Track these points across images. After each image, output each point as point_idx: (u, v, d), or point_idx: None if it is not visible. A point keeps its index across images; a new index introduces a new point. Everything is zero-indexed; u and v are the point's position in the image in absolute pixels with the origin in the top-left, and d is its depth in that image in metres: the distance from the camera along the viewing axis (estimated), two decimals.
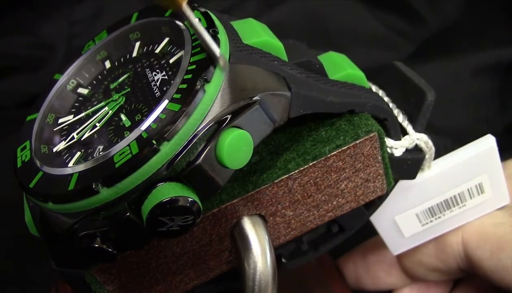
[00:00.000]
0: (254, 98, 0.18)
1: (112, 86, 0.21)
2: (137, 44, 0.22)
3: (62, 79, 0.22)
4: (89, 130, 0.20)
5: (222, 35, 0.19)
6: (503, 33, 0.43)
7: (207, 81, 0.17)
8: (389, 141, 0.24)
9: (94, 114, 0.21)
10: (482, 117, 0.40)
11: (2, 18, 0.42)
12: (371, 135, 0.22)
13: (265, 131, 0.19)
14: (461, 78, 0.42)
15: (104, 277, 0.21)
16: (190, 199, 0.17)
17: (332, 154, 0.21)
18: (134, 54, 0.22)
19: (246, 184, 0.21)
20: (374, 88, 0.25)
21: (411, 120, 0.24)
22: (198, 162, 0.17)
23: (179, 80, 0.18)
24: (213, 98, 0.17)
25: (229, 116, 0.17)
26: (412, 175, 0.25)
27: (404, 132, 0.24)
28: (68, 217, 0.18)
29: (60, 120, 0.22)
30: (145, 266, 0.21)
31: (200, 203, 0.17)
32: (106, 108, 0.21)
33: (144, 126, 0.17)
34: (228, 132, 0.17)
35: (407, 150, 0.25)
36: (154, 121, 0.17)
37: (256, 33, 0.21)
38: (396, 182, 0.25)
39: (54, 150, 0.20)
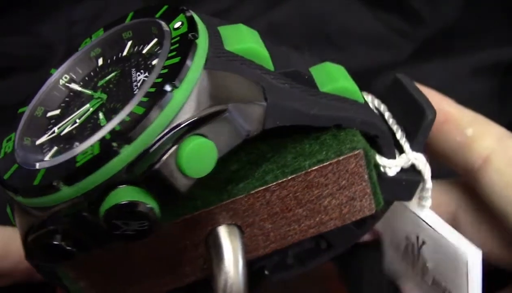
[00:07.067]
0: (224, 106, 0.18)
1: (99, 84, 0.21)
2: (129, 43, 0.22)
3: (56, 73, 0.22)
4: (69, 126, 0.20)
5: (202, 40, 0.19)
6: (503, 33, 0.43)
7: (175, 86, 0.17)
8: (382, 160, 0.23)
9: (77, 110, 0.21)
10: None
11: (2, 18, 0.42)
12: (356, 152, 0.21)
13: (234, 141, 0.18)
14: (461, 78, 0.42)
15: (75, 273, 0.21)
16: (145, 204, 0.17)
17: (313, 168, 0.21)
18: (125, 53, 0.22)
19: (222, 192, 0.21)
20: (376, 102, 0.25)
21: (410, 139, 0.23)
22: (156, 167, 0.17)
23: (149, 83, 0.18)
24: (180, 104, 0.17)
25: (194, 124, 0.17)
26: (407, 197, 0.24)
27: (402, 151, 0.24)
28: (35, 211, 0.18)
29: (49, 114, 0.22)
30: (117, 266, 0.21)
31: (158, 209, 0.17)
32: (88, 105, 0.20)
33: (109, 127, 0.17)
34: (191, 140, 0.17)
35: (402, 170, 0.23)
36: (119, 123, 0.17)
37: (240, 39, 0.20)
38: (390, 203, 0.24)
39: (37, 142, 0.20)
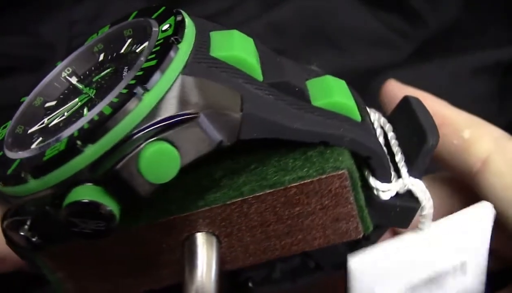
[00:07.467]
0: (195, 113, 0.17)
1: (94, 79, 0.21)
2: (128, 41, 0.22)
3: (60, 66, 0.23)
4: (58, 118, 0.20)
5: (185, 45, 0.18)
6: (503, 33, 0.43)
7: (146, 89, 0.17)
8: (375, 183, 0.22)
9: (67, 103, 0.21)
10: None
11: (2, 18, 0.42)
12: (339, 172, 0.20)
13: (203, 149, 0.18)
14: (461, 78, 0.42)
15: (52, 263, 0.21)
16: (103, 205, 0.17)
17: (293, 185, 0.20)
18: (122, 50, 0.22)
19: (198, 199, 0.20)
20: (382, 120, 0.24)
21: (409, 163, 0.22)
22: (116, 168, 0.17)
23: (124, 84, 0.18)
24: (150, 108, 0.17)
25: (160, 128, 0.17)
26: (403, 224, 0.23)
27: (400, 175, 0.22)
28: (11, 199, 0.18)
29: (47, 105, 0.22)
30: (94, 262, 0.21)
31: (117, 211, 0.17)
32: (77, 99, 0.21)
33: (79, 124, 0.17)
34: (153, 144, 0.17)
35: (398, 195, 0.22)
36: (88, 122, 0.17)
37: (229, 46, 0.20)
38: (384, 228, 0.23)
39: (29, 131, 0.21)
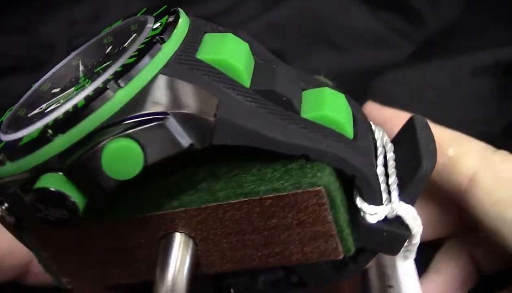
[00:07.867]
0: (164, 114, 0.17)
1: (95, 70, 0.21)
2: (133, 35, 0.22)
3: (72, 54, 0.23)
4: (54, 104, 0.20)
5: (170, 45, 0.19)
6: (503, 33, 0.43)
7: (120, 86, 0.17)
8: (362, 204, 0.21)
9: (63, 92, 0.21)
10: (481, 117, 0.40)
11: (2, 18, 0.42)
12: (316, 189, 0.19)
13: (170, 150, 0.18)
14: (461, 78, 0.42)
15: (37, 243, 0.21)
16: (66, 195, 0.17)
17: (268, 196, 0.20)
18: (125, 44, 0.22)
19: (175, 199, 0.20)
20: (385, 139, 0.23)
21: (402, 187, 0.21)
22: (80, 160, 0.17)
23: (103, 78, 0.18)
24: (121, 104, 0.17)
25: (127, 125, 0.17)
26: (391, 251, 0.22)
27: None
28: None
29: (53, 91, 0.22)
30: (75, 247, 0.22)
31: (81, 203, 0.17)
32: (73, 88, 0.21)
33: (55, 114, 0.18)
34: (116, 140, 0.17)
35: (386, 219, 0.21)
36: (63, 112, 0.18)
37: (217, 49, 0.20)
38: (373, 252, 0.22)
39: (29, 115, 0.21)
